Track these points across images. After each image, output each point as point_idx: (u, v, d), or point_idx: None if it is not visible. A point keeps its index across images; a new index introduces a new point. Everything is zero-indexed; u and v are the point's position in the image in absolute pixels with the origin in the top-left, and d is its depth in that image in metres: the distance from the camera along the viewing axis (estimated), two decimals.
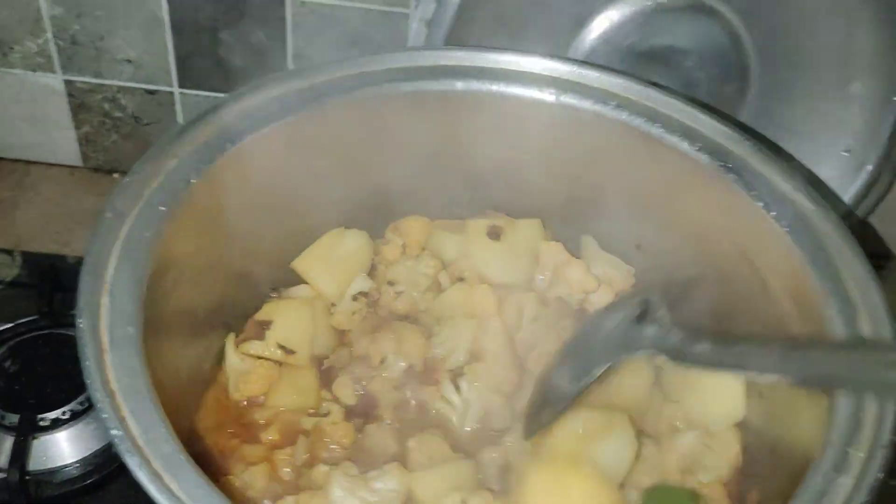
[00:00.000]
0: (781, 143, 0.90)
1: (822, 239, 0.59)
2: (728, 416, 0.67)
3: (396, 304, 0.75)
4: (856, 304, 0.55)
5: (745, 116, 0.88)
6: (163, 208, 0.57)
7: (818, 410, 0.53)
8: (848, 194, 0.90)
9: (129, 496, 0.73)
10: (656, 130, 0.68)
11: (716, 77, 0.87)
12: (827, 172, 0.90)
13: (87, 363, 0.46)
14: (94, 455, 0.75)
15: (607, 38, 0.85)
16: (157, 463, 0.43)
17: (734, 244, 0.65)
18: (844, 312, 0.55)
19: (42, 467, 0.74)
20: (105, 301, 0.50)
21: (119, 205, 0.56)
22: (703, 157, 0.66)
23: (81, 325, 0.48)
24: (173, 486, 0.42)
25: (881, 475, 0.46)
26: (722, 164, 0.65)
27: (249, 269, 0.72)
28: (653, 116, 0.68)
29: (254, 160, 0.66)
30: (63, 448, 0.75)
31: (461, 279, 0.75)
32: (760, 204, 0.62)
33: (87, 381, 0.45)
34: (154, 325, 0.53)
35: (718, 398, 0.67)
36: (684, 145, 0.66)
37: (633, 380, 0.68)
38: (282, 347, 0.68)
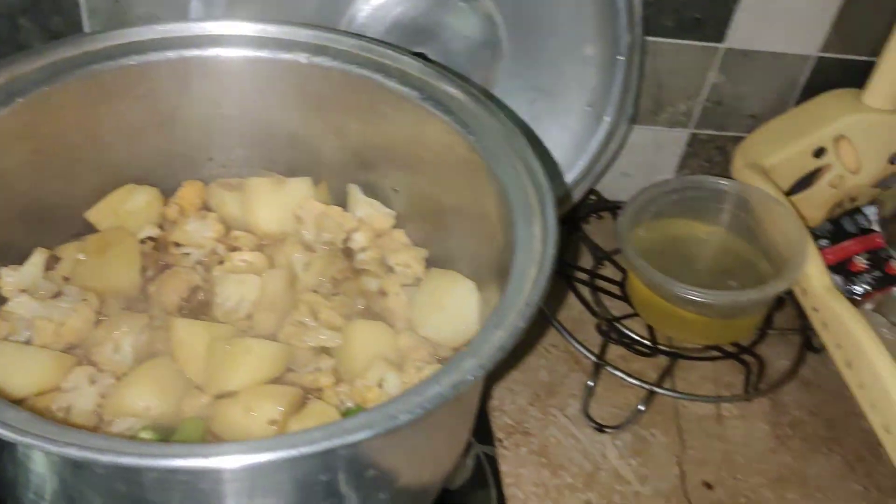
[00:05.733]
0: (534, 102, 1.03)
1: (515, 163, 0.71)
2: (464, 334, 0.77)
3: (184, 263, 0.82)
4: (534, 209, 0.68)
5: (500, 79, 1.01)
6: None
7: None
8: (593, 143, 1.04)
9: None
10: (391, 83, 0.78)
11: (472, 45, 0.99)
12: (575, 125, 1.04)
13: None
14: None
15: (376, 12, 0.96)
16: None
17: (459, 174, 0.77)
18: (525, 215, 0.67)
19: None
20: None
21: None
22: (428, 104, 0.77)
23: None
24: None
25: (522, 325, 0.57)
26: (443, 107, 0.76)
27: (44, 218, 0.79)
28: (388, 72, 0.79)
29: (28, 121, 0.73)
30: None
31: (237, 248, 0.83)
32: (473, 138, 0.74)
33: None
34: None
35: (455, 321, 0.77)
36: (413, 94, 0.77)
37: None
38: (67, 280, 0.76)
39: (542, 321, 1.03)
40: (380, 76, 0.79)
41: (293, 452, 0.48)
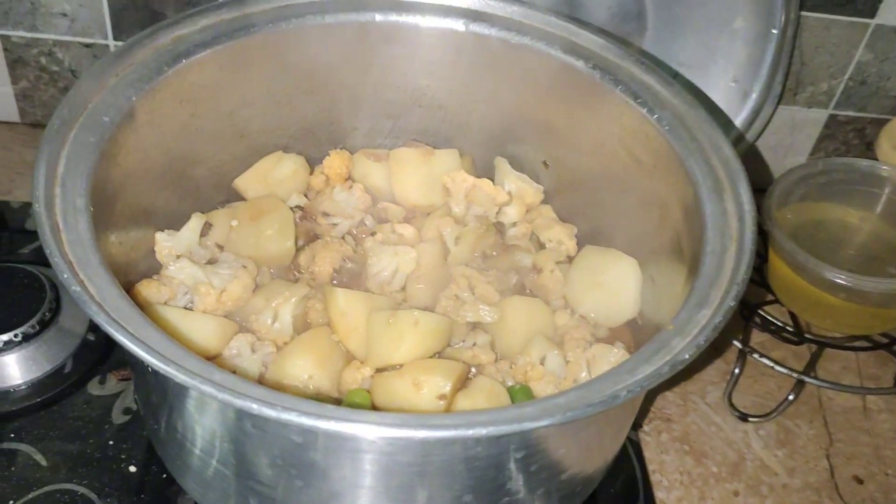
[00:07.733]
0: (676, 77, 0.99)
1: (695, 133, 0.68)
2: (624, 314, 0.75)
3: (333, 233, 0.81)
4: (724, 185, 0.64)
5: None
6: (106, 118, 0.63)
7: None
8: (737, 121, 0.99)
9: (73, 415, 0.78)
10: (555, 52, 0.75)
11: (617, 17, 0.95)
12: (718, 101, 0.99)
13: (46, 236, 0.52)
14: (46, 376, 0.80)
15: None
16: (115, 314, 0.49)
17: (624, 147, 0.73)
18: (715, 191, 0.64)
19: None
20: (58, 192, 0.56)
21: (65, 114, 0.61)
22: (596, 74, 0.74)
23: (37, 209, 0.54)
24: (130, 329, 0.48)
25: (733, 304, 0.54)
26: (612, 77, 0.73)
27: (196, 184, 0.78)
28: (552, 40, 0.76)
29: (190, 83, 0.72)
30: (14, 369, 0.80)
31: (385, 220, 0.81)
32: (644, 110, 0.71)
33: (47, 251, 0.51)
34: (103, 218, 0.58)
35: (614, 300, 0.75)
36: (579, 64, 0.74)
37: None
38: (220, 247, 0.74)
39: None
40: (542, 44, 0.76)
41: (526, 426, 0.46)
